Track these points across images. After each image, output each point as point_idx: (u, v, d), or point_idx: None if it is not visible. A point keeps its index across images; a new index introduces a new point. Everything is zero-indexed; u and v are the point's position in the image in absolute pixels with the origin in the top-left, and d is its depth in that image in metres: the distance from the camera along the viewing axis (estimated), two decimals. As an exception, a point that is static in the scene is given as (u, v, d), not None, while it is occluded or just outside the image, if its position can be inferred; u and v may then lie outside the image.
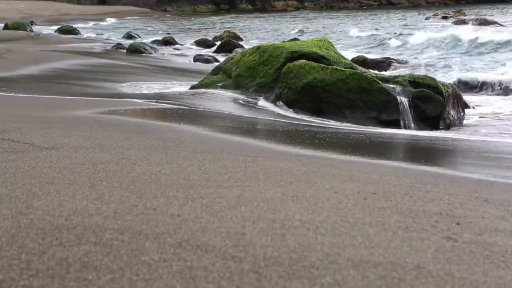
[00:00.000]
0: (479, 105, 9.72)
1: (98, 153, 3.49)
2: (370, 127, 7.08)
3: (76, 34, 26.62)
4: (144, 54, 17.49)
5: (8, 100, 6.54)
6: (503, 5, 52.09)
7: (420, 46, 19.44)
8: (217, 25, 39.16)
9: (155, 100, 7.08)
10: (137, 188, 2.71)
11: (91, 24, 41.32)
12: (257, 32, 31.70)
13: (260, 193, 2.76)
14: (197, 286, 1.73)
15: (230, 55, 16.51)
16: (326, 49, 8.70)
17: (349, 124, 7.16)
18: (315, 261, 1.96)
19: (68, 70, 11.24)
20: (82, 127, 4.45)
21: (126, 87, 9.38)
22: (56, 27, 29.88)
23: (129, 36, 25.91)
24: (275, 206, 2.55)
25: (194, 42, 23.71)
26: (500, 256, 2.15)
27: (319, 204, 2.63)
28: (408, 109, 7.46)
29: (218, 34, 26.17)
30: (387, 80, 7.83)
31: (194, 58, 17.02)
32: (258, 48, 9.12)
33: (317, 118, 7.40)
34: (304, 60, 8.03)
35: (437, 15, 37.74)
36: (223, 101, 7.89)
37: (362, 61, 14.79)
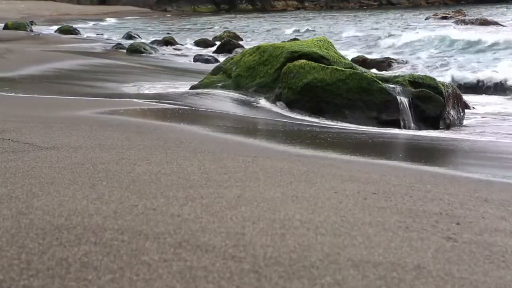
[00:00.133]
0: (479, 105, 9.73)
1: (98, 153, 3.49)
2: (370, 127, 7.08)
3: (76, 34, 26.60)
4: (144, 54, 17.49)
5: (8, 100, 6.54)
6: (503, 5, 52.08)
7: (410, 46, 19.43)
8: (217, 25, 39.16)
9: (155, 100, 7.08)
10: (137, 188, 2.71)
11: (91, 24, 41.33)
12: (257, 32, 31.71)
13: (260, 193, 2.76)
14: (197, 286, 1.73)
15: (230, 55, 16.52)
16: (326, 49, 8.70)
17: (349, 124, 7.17)
18: (315, 261, 1.96)
19: (68, 70, 11.24)
20: (82, 127, 4.45)
21: (126, 87, 9.38)
22: (56, 27, 29.88)
23: (129, 36, 25.91)
24: (275, 206, 2.55)
25: (194, 42, 23.73)
26: (500, 256, 2.15)
27: (319, 204, 2.63)
28: (408, 109, 7.46)
29: (218, 34, 26.19)
30: (387, 80, 7.83)
31: (194, 58, 17.02)
32: (258, 48, 9.12)
33: (317, 118, 7.40)
34: (304, 60, 8.03)
35: (437, 15, 37.72)
36: (223, 101, 7.89)
37: (362, 61, 14.79)
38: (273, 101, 8.02)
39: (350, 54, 16.41)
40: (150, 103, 6.83)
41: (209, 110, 7.03)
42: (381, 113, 7.40)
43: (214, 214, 2.38)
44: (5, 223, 2.14)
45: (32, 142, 3.74)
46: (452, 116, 7.72)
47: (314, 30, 30.17)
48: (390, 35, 22.80)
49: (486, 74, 12.29)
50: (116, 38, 25.94)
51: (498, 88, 11.49)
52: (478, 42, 18.26)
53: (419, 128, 7.35)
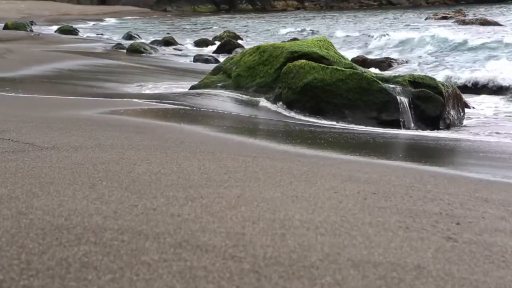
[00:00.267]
0: (478, 105, 9.73)
1: (98, 153, 3.49)
2: (370, 127, 7.08)
3: (76, 34, 26.61)
4: (144, 54, 17.49)
5: (8, 100, 6.54)
6: (502, 4, 52.08)
7: (399, 46, 19.41)
8: (217, 25, 39.16)
9: (155, 100, 7.08)
10: (137, 188, 2.71)
11: (91, 24, 41.33)
12: (257, 32, 31.71)
13: (260, 193, 2.76)
14: (197, 286, 1.73)
15: (230, 55, 16.53)
16: (326, 49, 8.70)
17: (349, 124, 7.17)
18: (315, 261, 1.96)
19: (68, 70, 11.25)
20: (82, 127, 4.45)
21: (126, 87, 9.38)
22: (56, 27, 29.89)
23: (129, 36, 25.91)
24: (275, 206, 2.55)
25: (194, 42, 23.74)
26: (500, 256, 2.15)
27: (319, 204, 2.63)
28: (408, 109, 7.46)
29: (218, 34, 26.19)
30: (387, 80, 7.83)
31: (194, 58, 17.03)
32: (258, 48, 9.12)
33: (317, 118, 7.41)
34: (304, 60, 8.03)
35: (437, 15, 37.71)
36: (223, 101, 7.89)
37: (362, 61, 14.81)
38: (273, 101, 8.02)
39: (350, 54, 16.41)
40: (150, 103, 6.83)
41: (209, 110, 7.03)
42: (381, 113, 7.40)
43: (214, 214, 2.38)
44: (5, 223, 2.14)
45: (32, 142, 3.74)
46: (452, 116, 7.72)
47: (312, 30, 30.18)
48: (379, 35, 22.73)
49: (481, 73, 12.25)
50: (116, 38, 25.94)
51: (497, 88, 11.46)
52: (466, 42, 18.22)
53: (419, 128, 7.35)
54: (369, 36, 24.17)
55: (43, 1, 61.47)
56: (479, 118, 8.50)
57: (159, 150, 3.71)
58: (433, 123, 7.47)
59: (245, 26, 37.77)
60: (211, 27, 37.59)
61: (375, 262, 1.98)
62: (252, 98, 8.21)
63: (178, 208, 2.43)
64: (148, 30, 34.62)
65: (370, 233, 2.28)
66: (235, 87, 8.69)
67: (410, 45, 19.32)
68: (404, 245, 2.17)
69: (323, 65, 7.92)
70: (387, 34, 21.82)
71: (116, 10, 60.11)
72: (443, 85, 7.87)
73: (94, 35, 28.96)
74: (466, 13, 38.35)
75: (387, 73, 12.59)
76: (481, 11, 43.27)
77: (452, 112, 7.73)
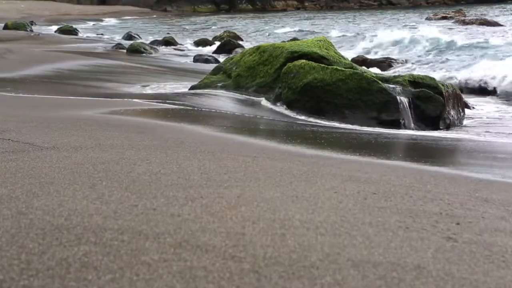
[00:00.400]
0: (479, 105, 9.73)
1: (98, 153, 3.49)
2: (370, 127, 7.08)
3: (76, 34, 26.61)
4: (144, 54, 17.49)
5: (8, 100, 6.54)
6: (502, 4, 52.07)
7: (387, 46, 19.38)
8: (217, 25, 39.16)
9: (155, 100, 7.08)
10: (137, 188, 2.71)
11: (91, 24, 41.33)
12: (257, 32, 31.70)
13: (260, 193, 2.76)
14: (197, 286, 1.73)
15: (230, 55, 16.53)
16: (326, 49, 8.70)
17: (349, 124, 7.16)
18: (315, 261, 1.96)
19: (68, 70, 11.24)
20: (82, 127, 4.45)
21: (126, 87, 9.38)
22: (56, 27, 29.89)
23: (129, 36, 25.90)
24: (275, 206, 2.55)
25: (194, 42, 23.74)
26: (500, 256, 2.15)
27: (319, 204, 2.63)
28: (408, 109, 7.46)
29: (218, 34, 26.18)
30: (387, 80, 7.83)
31: (194, 58, 17.02)
32: (258, 48, 9.12)
33: (317, 118, 7.41)
34: (304, 60, 8.03)
35: (437, 15, 37.71)
36: (223, 101, 7.89)
37: (362, 61, 14.81)
38: (273, 101, 8.03)
39: (350, 54, 16.40)
40: (150, 103, 6.83)
41: (209, 110, 7.03)
42: (381, 113, 7.40)
43: (214, 214, 2.38)
44: (5, 223, 2.14)
45: (32, 142, 3.73)
46: (452, 116, 7.72)
47: (308, 30, 30.17)
48: (370, 35, 22.66)
49: (481, 73, 12.22)
50: (116, 38, 25.94)
51: (497, 88, 11.45)
52: (455, 42, 18.17)
53: (419, 128, 7.35)
54: (358, 34, 24.09)
55: (43, 1, 61.47)
56: (479, 118, 8.49)
57: (159, 150, 3.71)
58: (433, 123, 7.47)
59: (245, 26, 37.76)
60: (211, 27, 37.58)
61: (375, 262, 1.98)
62: (252, 98, 8.21)
63: (178, 208, 2.43)
64: (148, 30, 34.62)
65: (370, 233, 2.28)
66: (235, 87, 8.69)
67: (399, 46, 19.21)
68: (404, 245, 2.17)
69: (323, 65, 7.92)
70: (376, 36, 21.74)
71: (116, 10, 60.11)
72: (443, 85, 7.87)
73: (94, 35, 28.96)
74: (466, 13, 38.34)
75: (387, 73, 12.59)
76: (481, 11, 43.26)
77: (452, 112, 7.73)
